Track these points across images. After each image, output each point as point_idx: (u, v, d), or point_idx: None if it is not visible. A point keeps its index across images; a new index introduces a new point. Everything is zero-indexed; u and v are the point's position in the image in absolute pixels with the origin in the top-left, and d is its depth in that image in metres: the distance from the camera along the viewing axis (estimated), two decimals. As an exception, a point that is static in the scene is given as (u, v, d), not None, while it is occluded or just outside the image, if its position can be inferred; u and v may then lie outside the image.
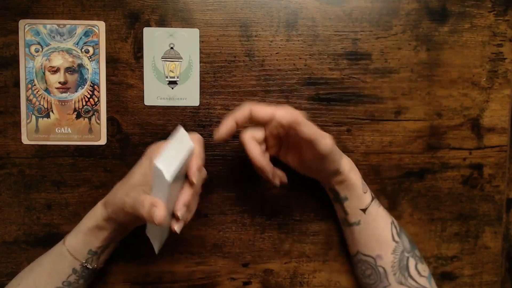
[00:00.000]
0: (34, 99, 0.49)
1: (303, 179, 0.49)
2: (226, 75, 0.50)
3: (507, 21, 0.53)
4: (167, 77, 0.50)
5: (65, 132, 0.50)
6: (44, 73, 0.49)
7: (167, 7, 0.49)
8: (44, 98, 0.49)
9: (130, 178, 0.43)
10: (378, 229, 0.47)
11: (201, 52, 0.50)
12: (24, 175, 0.50)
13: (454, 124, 0.53)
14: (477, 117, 0.53)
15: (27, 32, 0.48)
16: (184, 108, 0.50)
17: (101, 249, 0.44)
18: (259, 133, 0.44)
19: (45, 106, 0.49)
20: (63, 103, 0.49)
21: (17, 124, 0.49)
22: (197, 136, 0.44)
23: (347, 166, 0.47)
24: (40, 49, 0.49)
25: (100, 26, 0.49)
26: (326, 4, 0.50)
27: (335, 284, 0.54)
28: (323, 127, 0.48)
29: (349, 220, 0.48)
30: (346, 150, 0.51)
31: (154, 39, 0.49)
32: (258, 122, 0.43)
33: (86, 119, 0.50)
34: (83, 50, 0.49)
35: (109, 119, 0.50)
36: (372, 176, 0.52)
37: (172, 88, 0.50)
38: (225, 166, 0.51)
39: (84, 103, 0.49)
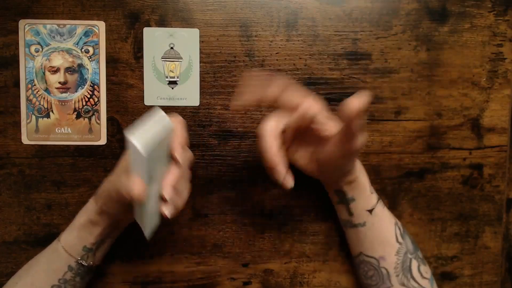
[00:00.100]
0: (34, 99, 0.49)
1: (303, 179, 0.49)
2: (226, 75, 0.50)
3: (507, 21, 0.53)
4: (167, 77, 0.50)
5: (65, 132, 0.50)
6: (44, 73, 0.49)
7: (167, 7, 0.49)
8: (44, 98, 0.49)
9: (116, 168, 0.43)
10: (382, 230, 0.46)
11: (201, 52, 0.50)
12: (24, 175, 0.50)
13: (454, 124, 0.53)
14: (477, 117, 0.53)
15: (27, 32, 0.48)
16: (184, 108, 0.50)
17: (96, 246, 0.44)
18: (279, 125, 0.39)
19: (45, 106, 0.49)
20: (63, 103, 0.49)
21: (17, 124, 0.49)
22: (178, 118, 0.42)
23: (358, 164, 0.46)
24: (40, 49, 0.49)
25: (100, 26, 0.49)
26: (326, 4, 0.50)
27: (335, 284, 0.54)
28: (323, 127, 0.48)
29: (353, 222, 0.47)
30: (346, 150, 0.51)
31: (154, 39, 0.49)
32: (286, 109, 0.38)
33: (86, 119, 0.50)
34: (83, 50, 0.49)
35: (109, 119, 0.50)
36: (372, 176, 0.52)
37: (172, 88, 0.50)
38: (225, 166, 0.51)
39: (84, 103, 0.49)
